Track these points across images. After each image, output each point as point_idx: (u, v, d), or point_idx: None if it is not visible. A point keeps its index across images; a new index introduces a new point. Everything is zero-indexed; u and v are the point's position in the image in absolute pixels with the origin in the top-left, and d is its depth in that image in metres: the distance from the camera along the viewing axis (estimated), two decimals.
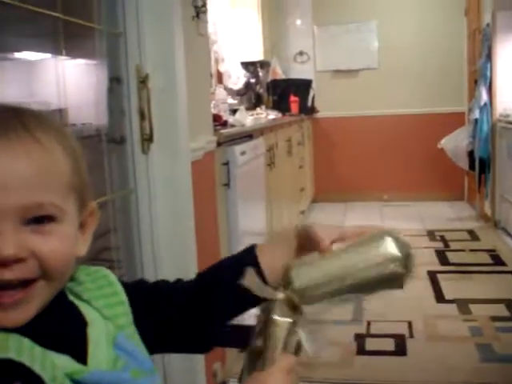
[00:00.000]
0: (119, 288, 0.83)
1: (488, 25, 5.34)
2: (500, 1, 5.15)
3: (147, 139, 1.88)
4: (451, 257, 4.48)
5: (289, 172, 4.83)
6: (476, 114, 5.40)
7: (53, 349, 0.67)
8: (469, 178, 6.37)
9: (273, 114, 4.80)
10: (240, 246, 2.69)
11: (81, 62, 1.98)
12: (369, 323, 3.24)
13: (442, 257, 4.48)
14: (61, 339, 0.70)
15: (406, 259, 0.79)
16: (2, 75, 1.64)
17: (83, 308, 0.77)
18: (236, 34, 5.65)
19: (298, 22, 7.03)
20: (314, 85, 6.54)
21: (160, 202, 1.92)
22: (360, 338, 3.05)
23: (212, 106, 3.03)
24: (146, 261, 1.91)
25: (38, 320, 0.68)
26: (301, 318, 0.76)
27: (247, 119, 3.63)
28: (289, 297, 0.76)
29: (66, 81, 1.73)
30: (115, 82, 1.89)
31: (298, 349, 0.76)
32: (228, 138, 2.77)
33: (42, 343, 0.66)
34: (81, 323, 0.75)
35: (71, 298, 0.78)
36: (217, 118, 3.02)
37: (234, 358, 2.67)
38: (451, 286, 3.79)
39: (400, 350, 2.90)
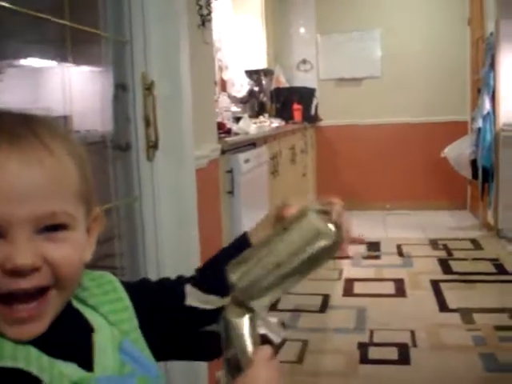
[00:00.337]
0: (124, 294, 0.83)
1: (491, 33, 5.34)
2: (503, 9, 5.16)
3: (152, 146, 1.88)
4: (454, 266, 4.47)
5: (292, 180, 4.84)
6: (479, 123, 5.40)
7: (59, 357, 0.67)
8: (471, 187, 6.36)
9: (276, 122, 4.81)
10: None
11: (86, 69, 1.98)
12: (371, 332, 3.23)
13: (444, 266, 4.47)
14: (67, 347, 0.70)
15: (333, 228, 0.78)
16: (8, 82, 1.65)
17: (88, 314, 0.77)
18: (240, 42, 5.67)
19: (302, 30, 7.04)
20: (317, 93, 6.55)
21: (164, 209, 1.92)
22: (363, 347, 3.03)
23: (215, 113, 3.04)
24: (150, 268, 1.91)
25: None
26: (255, 313, 0.76)
27: (251, 127, 3.63)
28: (235, 297, 0.76)
29: (71, 88, 1.73)
30: (121, 89, 1.90)
31: (264, 341, 0.76)
32: (232, 146, 2.77)
33: (48, 352, 0.66)
34: (86, 330, 0.75)
35: (76, 304, 0.78)
36: (220, 126, 3.02)
37: None
38: (454, 295, 3.77)
39: (403, 358, 2.89)
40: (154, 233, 1.92)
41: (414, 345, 3.04)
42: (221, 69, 5.03)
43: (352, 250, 5.01)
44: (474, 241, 5.23)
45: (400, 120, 6.78)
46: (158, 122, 1.90)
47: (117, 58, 1.90)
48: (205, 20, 2.36)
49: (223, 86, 5.08)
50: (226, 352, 0.75)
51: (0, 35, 1.49)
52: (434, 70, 6.65)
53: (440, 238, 5.38)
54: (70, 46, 1.71)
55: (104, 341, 0.75)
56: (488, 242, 5.17)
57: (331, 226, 0.78)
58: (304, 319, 3.39)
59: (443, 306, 3.60)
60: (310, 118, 6.28)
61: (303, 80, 6.88)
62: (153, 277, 1.84)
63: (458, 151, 5.71)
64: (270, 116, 5.28)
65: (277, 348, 0.76)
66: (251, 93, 5.52)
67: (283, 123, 5.09)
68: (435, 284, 4.02)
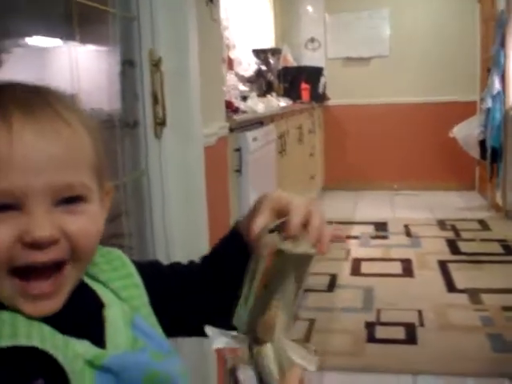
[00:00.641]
0: (133, 269, 0.82)
1: (502, 11, 5.28)
2: None
3: (160, 123, 1.87)
4: (462, 246, 4.46)
5: (299, 159, 4.82)
6: (488, 103, 5.36)
7: (72, 334, 0.66)
8: (480, 167, 6.33)
9: (284, 102, 4.78)
10: None
11: (93, 46, 1.96)
12: (379, 311, 3.23)
13: (452, 246, 4.47)
14: (79, 323, 0.69)
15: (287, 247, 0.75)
16: (14, 61, 1.63)
17: (99, 290, 0.77)
18: (247, 21, 5.62)
19: (310, 9, 6.98)
20: (325, 72, 6.50)
21: (172, 186, 1.91)
22: (370, 326, 3.04)
23: None
24: (158, 245, 1.90)
25: None
26: (279, 341, 0.75)
27: (259, 106, 3.61)
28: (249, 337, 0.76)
29: (78, 66, 1.72)
30: (128, 65, 1.88)
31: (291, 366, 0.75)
32: (240, 124, 2.76)
33: (60, 329, 0.65)
34: (97, 305, 0.74)
35: (86, 279, 0.77)
36: (228, 105, 3.00)
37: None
38: (462, 276, 3.77)
39: (410, 338, 2.89)
40: (161, 211, 1.91)
41: (422, 324, 3.04)
42: (228, 47, 5.00)
43: (359, 230, 5.01)
44: (481, 221, 5.21)
45: (408, 100, 6.74)
46: (166, 98, 1.88)
47: (124, 34, 1.88)
48: None
49: (230, 64, 5.05)
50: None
51: (6, 14, 1.47)
52: (443, 49, 6.59)
53: (448, 218, 5.37)
54: (78, 23, 1.69)
55: (115, 316, 0.74)
56: (496, 222, 5.16)
57: (286, 245, 0.74)
58: (311, 298, 3.39)
59: (451, 287, 3.59)
60: (318, 98, 6.25)
61: (311, 59, 6.83)
62: (161, 255, 1.84)
63: (467, 131, 5.67)
64: (278, 95, 5.24)
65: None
66: (259, 72, 5.48)
67: (291, 102, 5.06)
68: (443, 264, 4.01)
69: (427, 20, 6.64)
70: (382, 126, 6.82)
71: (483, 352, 2.72)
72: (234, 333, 0.76)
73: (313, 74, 6.26)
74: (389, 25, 6.77)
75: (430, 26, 6.63)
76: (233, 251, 0.84)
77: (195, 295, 0.88)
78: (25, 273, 0.63)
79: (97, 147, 0.71)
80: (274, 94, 5.19)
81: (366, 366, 2.65)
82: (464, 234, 4.81)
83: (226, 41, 4.89)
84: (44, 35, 1.72)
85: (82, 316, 0.71)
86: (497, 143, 5.31)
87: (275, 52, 5.90)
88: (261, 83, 5.42)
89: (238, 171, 2.66)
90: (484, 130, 5.48)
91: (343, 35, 6.88)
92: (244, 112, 3.20)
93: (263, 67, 5.53)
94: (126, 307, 0.77)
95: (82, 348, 0.66)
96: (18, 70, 1.61)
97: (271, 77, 5.64)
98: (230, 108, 3.04)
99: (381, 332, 2.98)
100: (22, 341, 0.61)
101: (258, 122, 3.26)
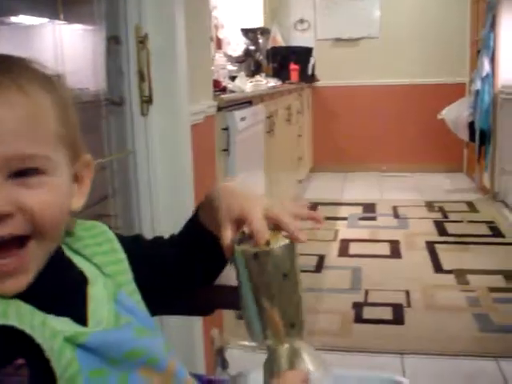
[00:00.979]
0: (118, 245, 0.81)
1: None
2: None
3: (146, 101, 1.84)
4: (450, 228, 4.47)
5: (288, 140, 4.80)
6: (478, 85, 5.36)
7: (51, 311, 0.65)
8: (468, 149, 6.34)
9: (273, 82, 4.74)
10: None
11: (78, 24, 1.93)
12: (367, 292, 3.23)
13: (440, 228, 4.48)
14: (60, 299, 0.67)
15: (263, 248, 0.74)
16: None
17: (83, 265, 0.75)
18: (236, 0, 5.57)
19: None
20: (314, 53, 6.46)
21: (159, 164, 1.89)
22: (358, 307, 3.04)
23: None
24: (145, 226, 1.89)
25: (36, 280, 0.65)
26: (298, 345, 0.76)
27: (247, 85, 3.58)
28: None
29: (63, 44, 1.69)
30: (113, 42, 1.85)
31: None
32: (228, 103, 2.73)
33: (40, 305, 0.64)
34: (80, 280, 0.73)
35: (69, 254, 0.75)
36: (216, 84, 2.97)
37: (232, 325, 2.66)
38: (449, 257, 3.78)
39: (397, 318, 2.90)
40: (148, 189, 1.89)
41: (409, 305, 3.04)
42: (216, 27, 4.95)
43: (347, 211, 5.01)
44: (469, 203, 5.23)
45: (398, 81, 6.72)
46: (153, 76, 1.85)
47: (109, 9, 1.84)
48: None
49: (219, 44, 5.01)
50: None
51: None
52: (433, 30, 6.57)
53: (436, 200, 5.38)
54: (62, 0, 1.65)
55: (99, 292, 0.73)
56: (483, 204, 5.18)
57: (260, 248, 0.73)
58: None
59: (438, 268, 3.60)
60: (307, 78, 6.22)
61: (300, 40, 6.80)
62: (147, 236, 1.82)
63: (456, 113, 5.67)
64: (267, 75, 5.21)
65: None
66: (247, 52, 5.44)
67: (280, 83, 5.02)
68: (430, 245, 4.02)
69: (417, 1, 6.61)
70: (371, 107, 6.80)
71: (470, 332, 2.74)
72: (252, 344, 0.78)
73: (302, 55, 6.22)
74: (379, 6, 6.73)
75: (421, 8, 6.60)
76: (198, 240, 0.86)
77: (176, 267, 0.88)
78: None
79: (65, 117, 0.68)
80: (262, 74, 5.15)
81: (354, 346, 2.66)
82: (452, 216, 4.83)
83: (215, 20, 4.84)
84: (28, 13, 1.69)
85: (64, 292, 0.69)
86: (485, 125, 5.31)
87: (264, 32, 5.85)
88: (249, 63, 5.38)
89: (226, 150, 2.64)
90: (473, 112, 5.47)
91: (333, 16, 6.83)
92: (232, 91, 3.17)
93: (252, 47, 5.49)
94: (110, 283, 0.76)
95: (62, 325, 0.64)
96: (2, 47, 1.58)
97: (260, 57, 5.60)
98: (218, 87, 3.01)
99: (368, 312, 2.99)
100: None
101: (247, 101, 3.23)
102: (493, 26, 5.24)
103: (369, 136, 6.85)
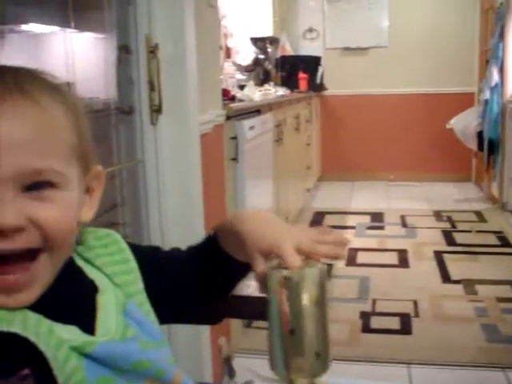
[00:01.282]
0: (130, 255, 0.81)
1: (501, 3, 5.26)
2: None
3: (156, 110, 1.85)
4: (458, 237, 4.46)
5: (296, 149, 4.81)
6: (486, 95, 5.35)
7: (59, 319, 0.65)
8: (477, 159, 6.33)
9: (281, 91, 4.76)
10: None
11: (90, 34, 1.95)
12: (374, 301, 3.23)
13: (448, 237, 4.47)
14: (69, 308, 0.68)
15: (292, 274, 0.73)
16: (9, 47, 1.61)
17: (94, 274, 0.76)
18: (245, 9, 5.59)
19: None
20: (322, 62, 6.48)
21: (168, 173, 1.90)
22: (365, 316, 3.04)
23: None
24: (154, 234, 1.90)
25: (46, 288, 0.66)
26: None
27: (255, 94, 3.60)
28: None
29: (73, 54, 1.70)
30: (124, 51, 1.86)
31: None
32: (237, 112, 2.74)
33: (48, 313, 0.64)
34: (90, 290, 0.74)
35: (80, 263, 0.76)
36: (225, 93, 2.99)
37: (239, 333, 2.67)
38: (457, 267, 3.77)
39: (405, 328, 2.89)
40: (157, 198, 1.90)
41: (417, 315, 3.04)
42: (225, 36, 4.97)
43: (355, 220, 5.01)
44: (478, 213, 5.21)
45: (406, 90, 6.72)
46: (162, 85, 1.86)
47: (120, 19, 1.86)
48: None
49: (228, 53, 5.03)
50: None
51: (1, 0, 1.45)
52: (442, 40, 6.57)
53: (444, 209, 5.37)
54: (73, 9, 1.67)
55: (108, 302, 0.73)
56: (492, 214, 5.16)
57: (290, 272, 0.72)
58: None
59: (446, 277, 3.59)
60: (316, 87, 6.23)
61: (309, 49, 6.81)
62: (156, 241, 1.83)
63: (465, 123, 5.66)
64: (276, 84, 5.22)
65: None
66: (256, 61, 5.46)
67: (288, 92, 5.04)
68: (438, 255, 4.01)
69: (426, 11, 6.62)
70: (380, 116, 6.80)
71: (477, 342, 2.73)
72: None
73: (311, 64, 6.24)
74: (388, 15, 6.74)
75: (429, 17, 6.60)
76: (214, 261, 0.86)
77: (191, 284, 0.88)
78: None
79: (77, 128, 0.68)
80: (271, 83, 5.17)
81: (361, 355, 2.65)
82: (460, 226, 4.81)
83: (224, 29, 4.86)
84: (39, 21, 1.71)
85: (74, 301, 0.70)
86: (494, 135, 5.30)
87: (273, 41, 5.87)
88: (258, 72, 5.39)
89: (235, 159, 2.65)
90: (481, 122, 5.47)
91: (342, 25, 6.85)
92: (241, 100, 3.18)
93: (261, 56, 5.51)
94: (120, 293, 0.76)
95: (68, 334, 0.65)
96: (13, 56, 1.60)
97: (269, 66, 5.62)
98: (227, 96, 3.02)
99: (376, 322, 2.98)
100: (3, 327, 0.59)
101: (256, 110, 3.24)
102: (502, 35, 5.24)
103: (377, 145, 6.84)
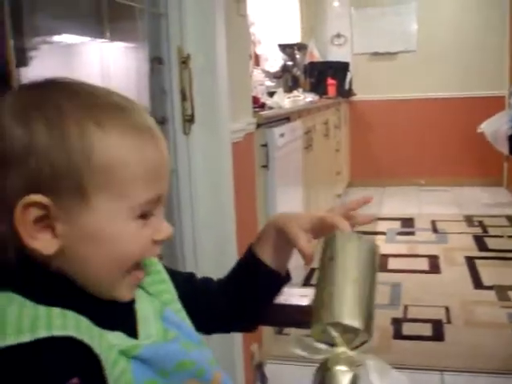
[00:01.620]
0: (161, 267, 0.85)
1: None
2: None
3: (189, 120, 1.88)
4: (490, 243, 4.42)
5: (325, 155, 4.81)
6: None
7: (106, 326, 0.67)
8: (508, 163, 6.26)
9: (310, 97, 4.77)
10: None
11: (122, 44, 1.98)
12: (406, 308, 3.22)
13: (480, 242, 4.43)
14: (112, 317, 0.70)
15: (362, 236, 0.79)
16: (42, 58, 1.65)
17: None
18: (273, 16, 5.62)
19: (336, 3, 6.95)
20: (351, 67, 6.47)
21: (200, 182, 1.93)
22: (397, 323, 3.03)
23: None
24: (186, 240, 1.92)
25: (91, 298, 0.69)
26: (362, 370, 0.72)
27: (285, 101, 3.61)
28: (344, 353, 0.71)
29: (107, 63, 1.73)
30: (156, 62, 1.89)
31: None
32: (267, 119, 2.76)
33: (96, 322, 0.66)
34: (128, 300, 0.76)
35: None
36: (254, 100, 3.01)
37: (271, 340, 2.68)
38: (490, 272, 3.74)
39: (437, 335, 2.88)
40: (189, 207, 1.92)
41: (448, 321, 3.02)
42: (254, 43, 5.00)
43: (385, 226, 4.99)
44: (509, 218, 5.16)
45: (436, 95, 6.68)
46: (194, 95, 1.89)
47: (152, 31, 1.89)
48: None
49: (257, 60, 5.06)
50: None
51: (34, 11, 1.49)
52: (471, 43, 6.52)
53: (475, 214, 5.32)
54: (106, 20, 1.70)
55: (146, 309, 0.76)
56: None
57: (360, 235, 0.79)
58: None
59: (478, 283, 3.57)
60: (344, 93, 6.23)
61: (337, 54, 6.81)
62: (189, 248, 1.85)
63: (495, 127, 5.61)
64: (304, 91, 5.24)
65: None
66: (285, 67, 5.48)
67: (317, 98, 5.05)
68: (470, 261, 3.99)
69: (455, 14, 6.58)
70: (409, 121, 6.77)
71: (510, 349, 2.70)
72: (323, 346, 0.72)
73: (339, 70, 6.24)
74: (416, 19, 6.71)
75: (458, 20, 6.56)
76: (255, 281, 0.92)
77: (221, 311, 0.93)
78: (140, 264, 0.73)
79: None
80: (300, 89, 5.18)
81: (393, 362, 2.60)
82: (491, 230, 4.77)
83: (252, 36, 4.89)
84: (74, 32, 1.74)
85: (115, 310, 0.72)
86: None
87: (301, 47, 5.89)
88: (287, 78, 5.41)
89: (265, 167, 2.67)
90: None
91: (369, 30, 6.84)
92: (270, 108, 3.20)
93: (289, 62, 5.53)
94: (156, 301, 0.79)
95: (116, 339, 0.67)
96: (48, 67, 1.63)
97: (297, 72, 5.64)
98: (257, 103, 3.05)
99: (408, 328, 2.97)
100: (58, 331, 0.61)
101: (285, 117, 3.26)
102: None
103: (407, 150, 6.81)
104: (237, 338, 2.12)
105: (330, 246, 0.76)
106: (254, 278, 0.92)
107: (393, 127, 6.82)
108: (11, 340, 0.59)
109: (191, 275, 0.96)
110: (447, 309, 3.17)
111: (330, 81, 5.91)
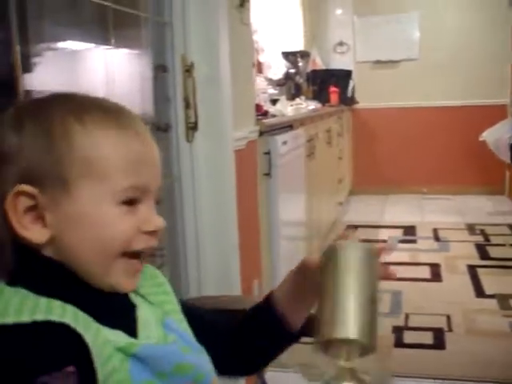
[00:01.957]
0: (164, 279, 0.86)
1: None
2: None
3: (192, 127, 1.90)
4: (491, 251, 4.42)
5: (328, 163, 4.82)
6: None
7: (106, 324, 0.69)
8: (510, 171, 6.27)
9: (313, 105, 4.78)
10: (280, 236, 2.68)
11: (126, 51, 1.99)
12: (407, 316, 3.22)
13: (482, 251, 4.43)
14: (113, 317, 0.71)
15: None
16: (46, 65, 1.66)
17: (130, 294, 0.80)
18: (276, 24, 5.63)
19: (339, 11, 6.97)
20: (353, 75, 6.49)
21: (203, 189, 1.94)
22: (398, 331, 3.03)
23: None
24: (190, 247, 1.93)
25: (93, 295, 0.71)
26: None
27: (288, 109, 3.62)
28: (350, 369, 0.72)
29: (111, 70, 1.74)
30: (160, 70, 1.91)
31: None
32: (269, 127, 2.77)
33: (96, 318, 0.68)
34: (130, 305, 0.78)
35: None
36: (257, 108, 3.02)
37: None
38: (491, 281, 3.74)
39: (438, 343, 2.88)
40: (193, 213, 1.93)
41: (450, 329, 3.02)
42: (257, 51, 5.01)
43: (387, 234, 5.00)
44: (511, 226, 5.16)
45: (438, 103, 6.69)
46: (198, 103, 1.90)
47: (157, 39, 1.91)
48: (244, 0, 2.35)
49: (259, 68, 5.06)
50: None
51: (39, 18, 1.50)
52: (473, 52, 6.53)
53: (477, 222, 5.32)
54: (111, 27, 1.71)
55: (147, 315, 0.78)
56: None
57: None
58: None
59: (480, 292, 3.57)
60: (347, 101, 6.24)
61: (340, 62, 6.82)
62: (192, 255, 1.86)
63: (497, 135, 5.62)
64: (307, 98, 5.24)
65: None
66: (287, 75, 5.49)
67: (320, 106, 5.06)
68: (472, 269, 3.98)
69: (457, 23, 6.59)
70: (411, 129, 6.78)
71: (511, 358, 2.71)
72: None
73: (341, 78, 6.25)
74: (418, 27, 6.73)
75: (460, 29, 6.57)
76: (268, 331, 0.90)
77: (227, 348, 0.91)
78: (136, 255, 0.74)
79: None
80: (302, 97, 5.19)
81: (394, 370, 2.64)
82: (493, 239, 4.77)
83: (255, 44, 4.90)
84: (79, 40, 1.76)
85: (117, 311, 0.74)
86: None
87: (304, 55, 5.90)
88: (290, 86, 5.42)
89: (268, 174, 2.67)
90: None
91: (372, 38, 6.85)
92: (273, 115, 3.21)
93: (292, 70, 5.54)
94: (158, 310, 0.81)
95: (114, 336, 0.69)
96: (53, 73, 1.64)
97: (300, 80, 5.65)
98: (259, 111, 3.06)
99: (409, 337, 2.97)
100: (55, 317, 0.64)
101: (288, 125, 3.27)
102: None
103: (409, 158, 6.81)
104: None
105: (330, 258, 0.77)
106: (264, 333, 0.90)
107: (395, 135, 6.83)
108: (11, 319, 0.62)
109: (199, 308, 0.97)
110: (448, 317, 3.17)
111: (333, 89, 5.92)
